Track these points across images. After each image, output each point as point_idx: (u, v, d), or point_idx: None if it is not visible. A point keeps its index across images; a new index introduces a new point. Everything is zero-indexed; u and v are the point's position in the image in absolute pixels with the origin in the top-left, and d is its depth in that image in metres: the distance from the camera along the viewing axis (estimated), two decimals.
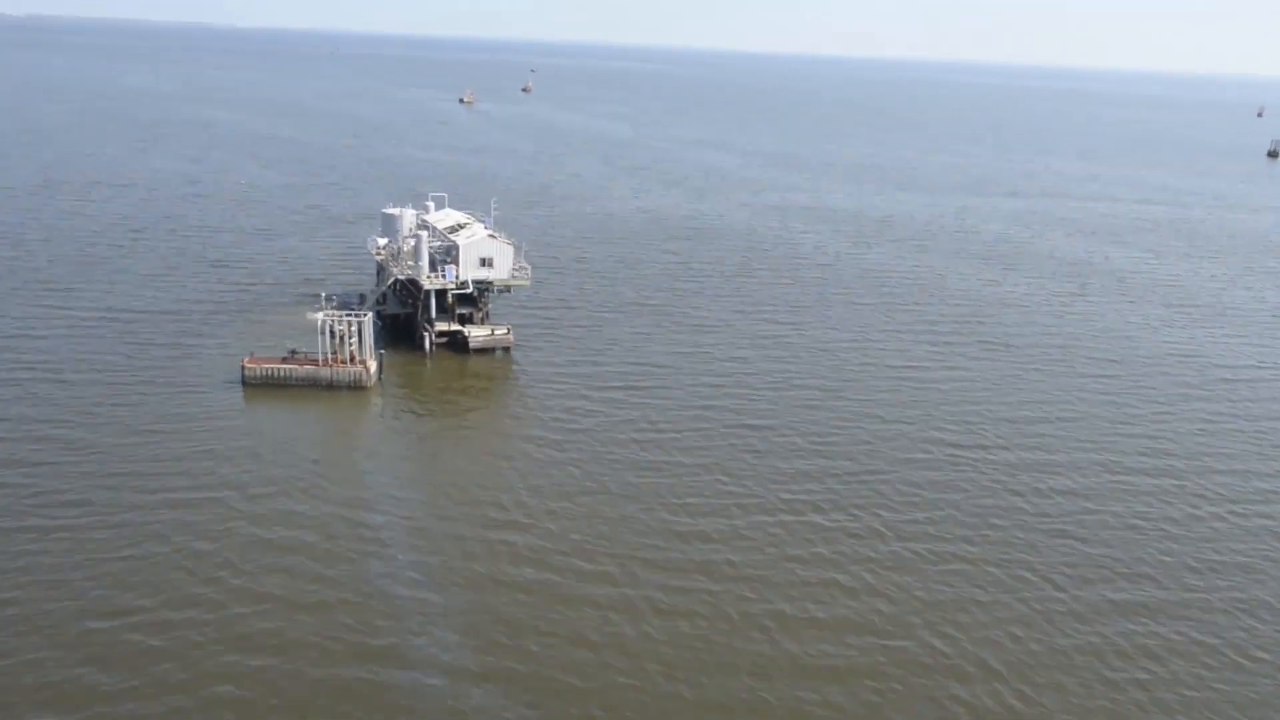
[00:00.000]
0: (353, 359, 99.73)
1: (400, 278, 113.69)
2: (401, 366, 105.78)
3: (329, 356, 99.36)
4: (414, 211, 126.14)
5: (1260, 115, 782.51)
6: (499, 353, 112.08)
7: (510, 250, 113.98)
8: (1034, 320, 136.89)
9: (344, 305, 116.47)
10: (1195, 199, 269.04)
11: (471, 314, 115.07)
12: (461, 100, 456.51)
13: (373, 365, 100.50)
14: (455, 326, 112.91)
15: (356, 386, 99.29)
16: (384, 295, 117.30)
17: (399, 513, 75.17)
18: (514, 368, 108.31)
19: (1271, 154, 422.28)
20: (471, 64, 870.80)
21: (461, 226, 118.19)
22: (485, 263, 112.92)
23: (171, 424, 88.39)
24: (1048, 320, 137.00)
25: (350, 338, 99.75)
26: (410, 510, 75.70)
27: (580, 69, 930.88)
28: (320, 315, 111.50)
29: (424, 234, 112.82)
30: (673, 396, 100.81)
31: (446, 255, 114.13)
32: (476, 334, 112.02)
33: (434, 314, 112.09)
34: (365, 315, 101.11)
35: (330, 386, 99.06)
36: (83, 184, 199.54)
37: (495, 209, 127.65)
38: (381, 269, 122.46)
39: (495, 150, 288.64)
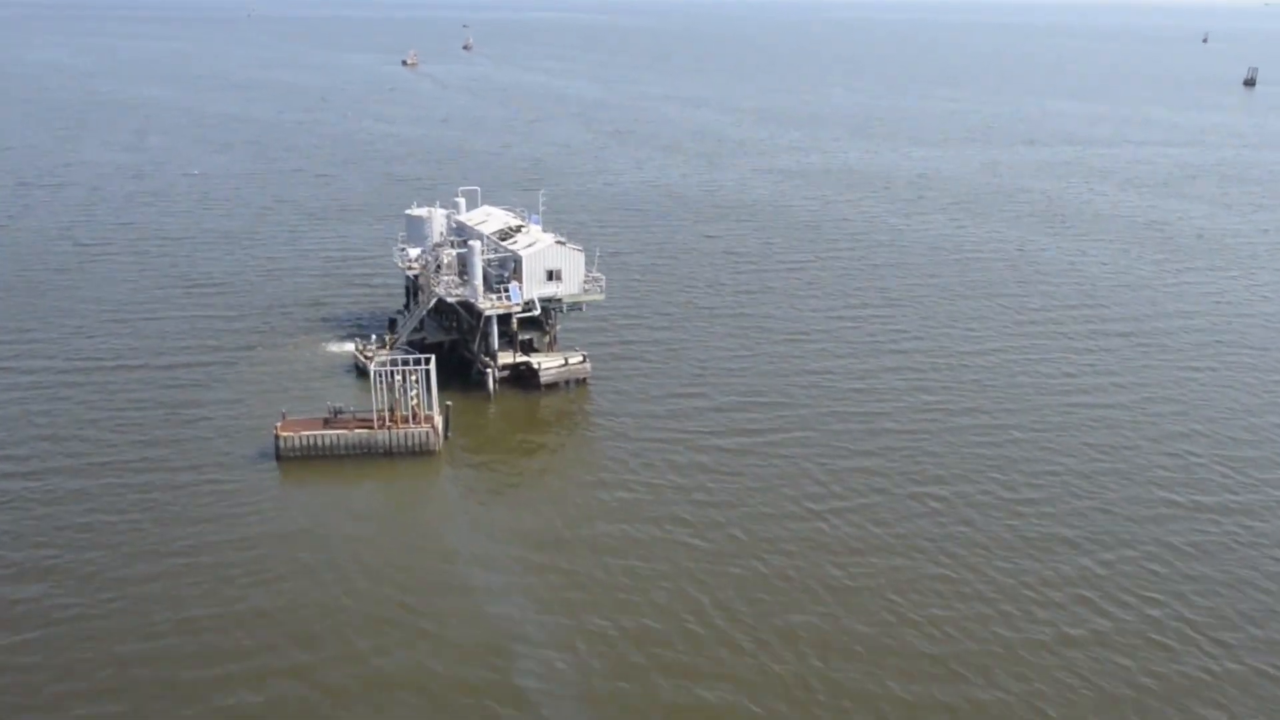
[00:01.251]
0: (415, 415, 79.38)
1: (447, 299, 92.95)
2: (461, 414, 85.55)
3: (385, 414, 78.91)
4: (444, 212, 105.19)
5: (1205, 41, 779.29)
6: (570, 385, 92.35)
7: (581, 259, 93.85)
8: (1163, 304, 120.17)
9: (366, 333, 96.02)
10: (1215, 137, 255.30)
11: (533, 339, 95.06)
12: (404, 63, 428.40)
13: (439, 421, 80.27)
14: (521, 357, 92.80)
15: (422, 451, 79.08)
16: (421, 321, 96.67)
17: (526, 635, 55.86)
18: (595, 409, 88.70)
19: (1248, 82, 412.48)
20: (399, 22, 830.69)
21: (515, 230, 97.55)
22: (553, 276, 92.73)
23: (190, 534, 67.66)
24: (1181, 304, 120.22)
25: (411, 389, 79.29)
26: (537, 628, 56.41)
27: (512, 22, 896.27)
28: (362, 353, 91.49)
29: (476, 244, 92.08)
30: (807, 444, 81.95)
31: (502, 269, 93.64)
32: (548, 366, 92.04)
33: (495, 344, 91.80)
34: (428, 361, 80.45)
35: (389, 453, 78.74)
36: (6, 186, 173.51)
37: (543, 205, 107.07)
38: (416, 287, 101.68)
39: (462, 119, 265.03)
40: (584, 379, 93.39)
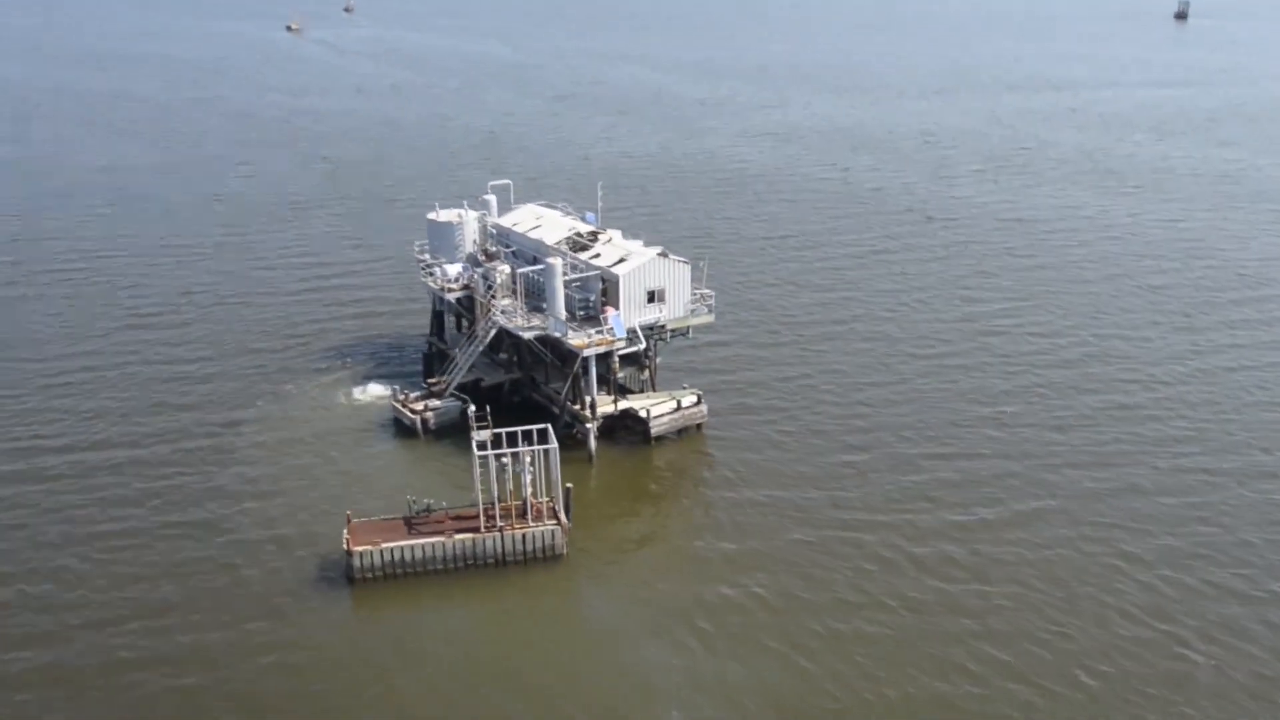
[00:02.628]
0: (533, 509, 59.56)
1: (521, 334, 72.75)
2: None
3: (493, 509, 58.94)
4: (476, 215, 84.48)
5: None
6: (680, 434, 73.63)
7: (686, 273, 74.68)
8: None
9: (385, 366, 75.39)
10: (1194, 75, 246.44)
11: (625, 376, 75.89)
12: (289, 29, 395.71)
13: (562, 513, 60.64)
14: (621, 404, 73.48)
15: (546, 555, 59.49)
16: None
17: None
18: (723, 468, 70.44)
19: (1179, 15, 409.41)
20: None
21: (588, 238, 77.51)
22: (654, 298, 73.40)
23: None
24: None
25: (525, 472, 59.42)
26: None
27: None
28: (405, 405, 71.79)
29: (557, 263, 71.92)
30: (1028, 524, 65.10)
31: (585, 292, 73.80)
32: (659, 414, 72.94)
33: (595, 391, 72.14)
34: (542, 435, 60.45)
35: (500, 562, 58.94)
36: None
37: (601, 198, 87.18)
38: (458, 311, 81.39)
39: (377, 89, 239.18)
40: (700, 424, 74.62)
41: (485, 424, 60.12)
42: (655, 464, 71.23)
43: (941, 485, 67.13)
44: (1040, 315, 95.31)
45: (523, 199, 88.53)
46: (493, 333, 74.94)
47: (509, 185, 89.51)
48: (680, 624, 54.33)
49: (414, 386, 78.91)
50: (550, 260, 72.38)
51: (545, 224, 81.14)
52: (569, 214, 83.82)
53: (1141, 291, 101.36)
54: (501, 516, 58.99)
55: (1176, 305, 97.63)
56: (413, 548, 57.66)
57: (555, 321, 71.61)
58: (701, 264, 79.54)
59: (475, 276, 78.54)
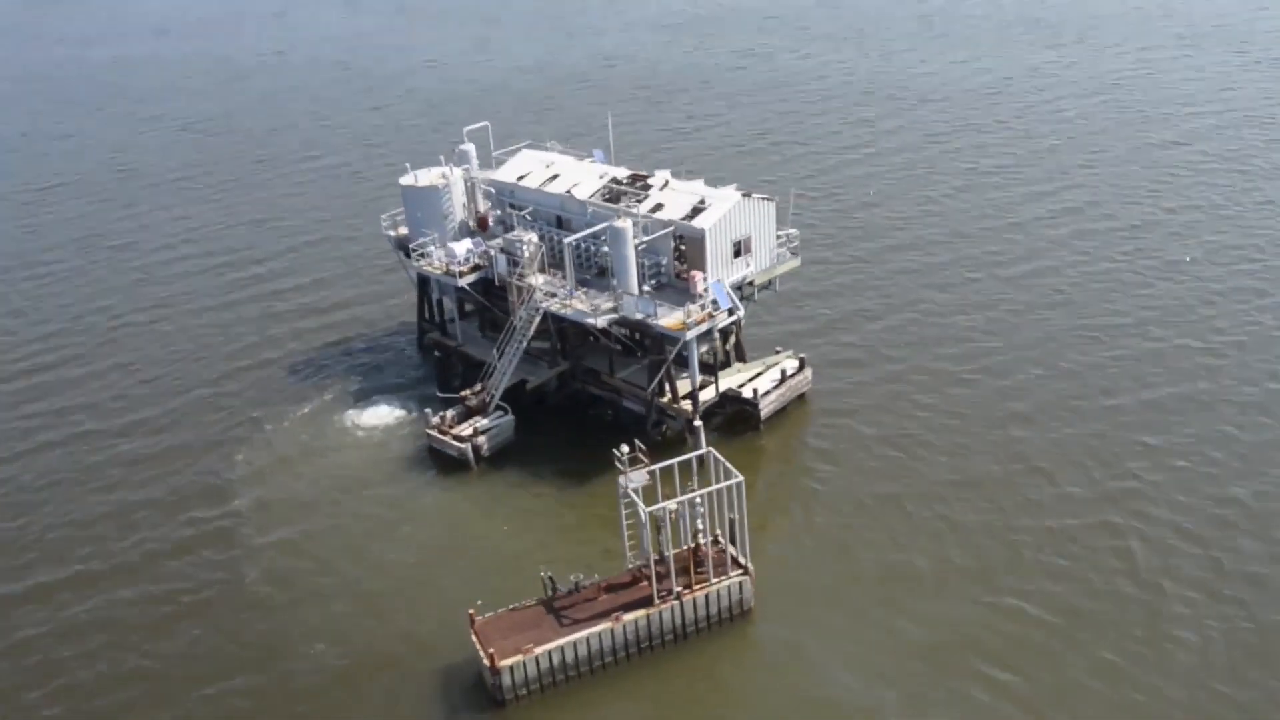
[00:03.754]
0: (712, 557, 45.90)
1: (589, 321, 57.80)
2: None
3: (662, 571, 45.04)
4: (461, 171, 68.26)
5: None
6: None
7: (771, 213, 60.79)
8: None
9: (368, 375, 60.03)
10: None
11: (707, 351, 62.11)
12: None
13: (745, 558, 47.13)
14: (733, 385, 60.11)
15: (734, 614, 46.22)
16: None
17: None
18: (856, 448, 57.98)
19: None
20: None
21: (632, 184, 62.42)
22: (740, 250, 59.42)
23: None
24: None
25: (697, 517, 45.52)
26: None
27: None
28: (449, 433, 57.42)
29: (626, 224, 56.90)
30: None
31: (655, 255, 59.12)
32: (765, 390, 59.75)
33: (697, 378, 58.20)
34: (734, 475, 46.01)
35: (678, 636, 45.35)
36: None
37: (613, 131, 71.82)
38: (457, 300, 65.87)
39: (183, 27, 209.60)
40: (803, 393, 61.91)
41: (641, 462, 45.58)
42: (774, 452, 58.22)
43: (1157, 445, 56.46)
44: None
45: (500, 145, 72.28)
46: (537, 321, 59.72)
47: (487, 128, 73.04)
48: (960, 677, 42.21)
49: (430, 402, 63.44)
50: (619, 223, 57.18)
51: (565, 173, 65.52)
52: (567, 154, 68.56)
53: None
54: (664, 573, 45.25)
55: None
56: (574, 645, 43.41)
57: (632, 300, 56.90)
58: (791, 194, 65.22)
59: (493, 253, 62.66)
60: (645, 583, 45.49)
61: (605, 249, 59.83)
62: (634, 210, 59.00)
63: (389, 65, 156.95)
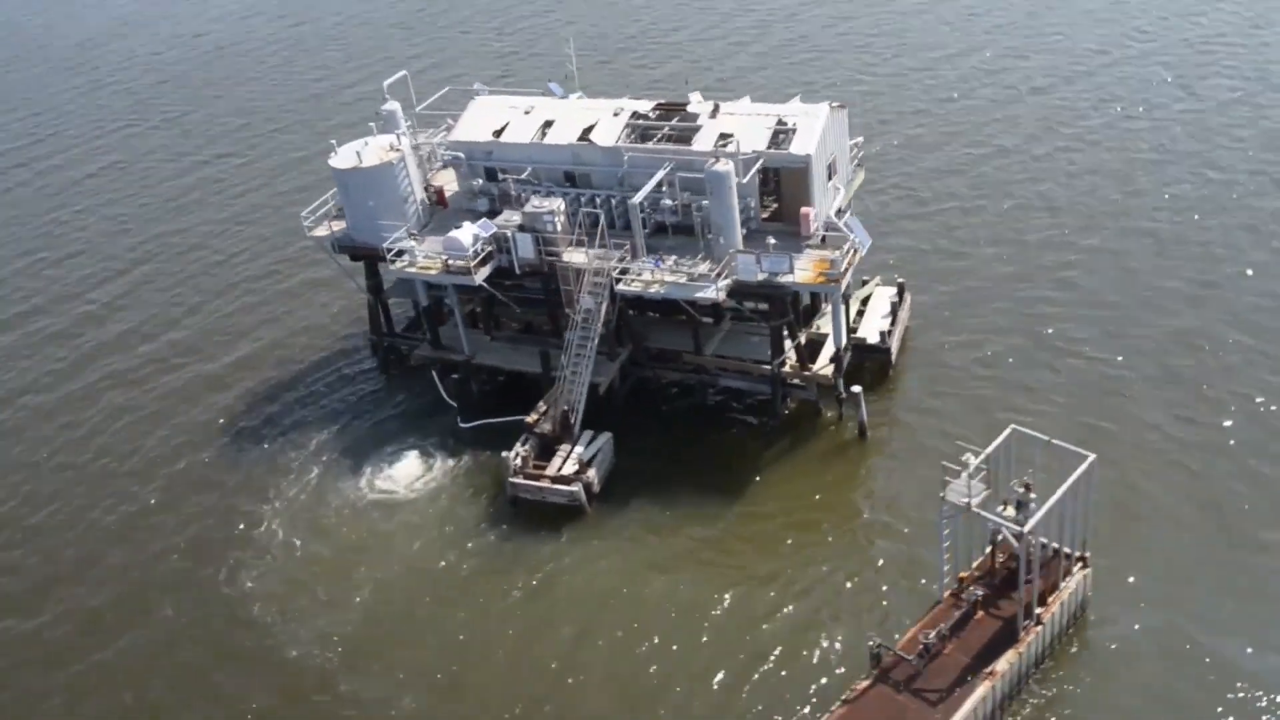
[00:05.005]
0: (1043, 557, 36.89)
1: (708, 296, 45.73)
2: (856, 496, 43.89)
3: (1027, 598, 35.60)
4: (408, 138, 53.08)
5: None
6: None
7: (846, 123, 50.58)
8: None
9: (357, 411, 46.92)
10: None
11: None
12: None
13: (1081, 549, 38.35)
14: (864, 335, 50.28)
15: (1074, 623, 37.77)
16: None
17: None
18: (1010, 385, 50.60)
19: None
20: None
21: (679, 115, 49.96)
22: (831, 172, 49.15)
23: None
24: None
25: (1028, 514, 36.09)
26: None
27: None
28: (535, 471, 45.34)
29: (727, 167, 44.69)
30: None
31: (744, 198, 47.38)
32: (889, 331, 50.60)
33: (842, 338, 47.82)
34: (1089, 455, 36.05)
35: (1038, 662, 36.45)
36: None
37: (575, 59, 58.06)
38: (463, 302, 51.56)
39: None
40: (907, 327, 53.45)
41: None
42: (940, 402, 49.00)
43: None
44: None
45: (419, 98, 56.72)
46: (604, 308, 46.97)
47: (406, 78, 57.11)
48: None
49: (451, 437, 49.75)
50: (716, 166, 44.82)
51: (562, 116, 51.73)
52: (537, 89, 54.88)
53: None
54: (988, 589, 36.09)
55: None
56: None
57: (750, 258, 45.35)
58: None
59: (510, 234, 48.47)
60: (980, 614, 36.08)
61: (669, 202, 47.70)
62: (669, 150, 47.09)
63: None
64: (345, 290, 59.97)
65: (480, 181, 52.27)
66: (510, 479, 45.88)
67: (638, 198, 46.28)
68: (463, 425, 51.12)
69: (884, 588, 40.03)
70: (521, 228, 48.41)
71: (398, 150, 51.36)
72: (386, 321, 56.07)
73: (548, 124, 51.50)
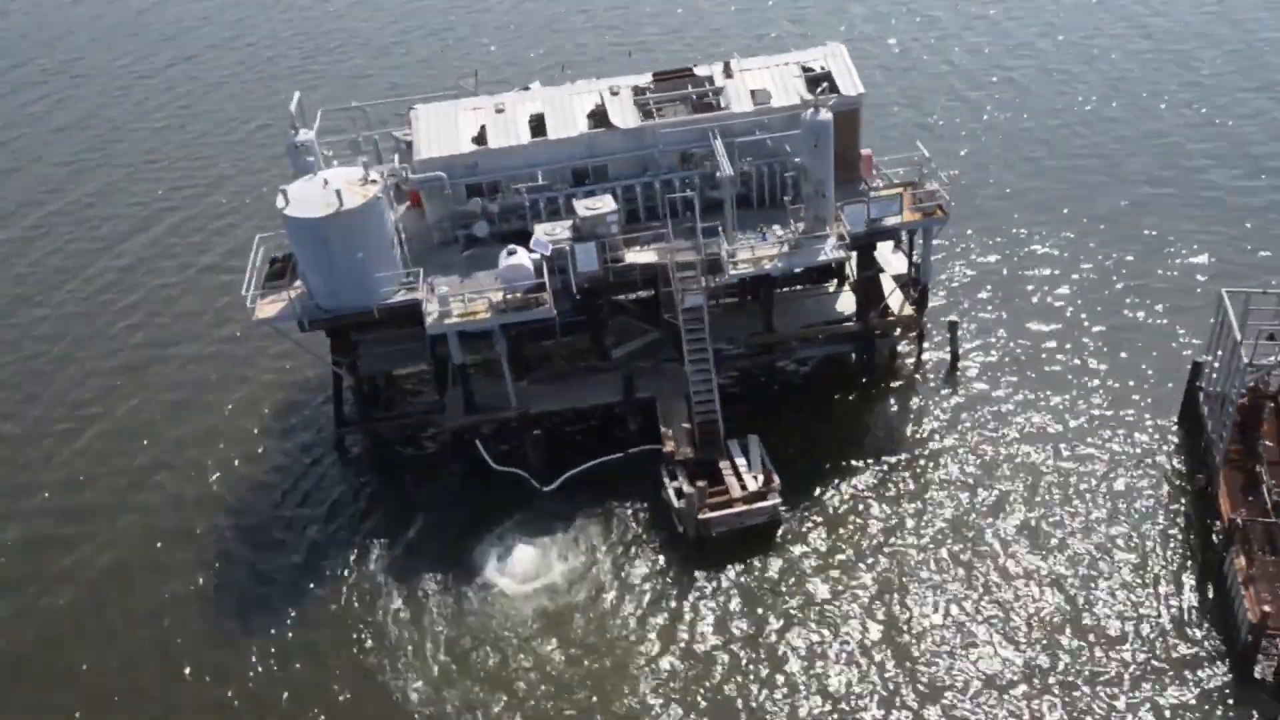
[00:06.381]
0: None
1: (809, 261, 42.48)
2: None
3: None
4: (384, 165, 43.79)
5: None
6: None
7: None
8: None
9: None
10: None
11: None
12: None
13: None
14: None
15: None
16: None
17: None
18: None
19: None
20: None
21: (689, 81, 45.37)
22: None
23: None
24: None
25: None
26: None
27: None
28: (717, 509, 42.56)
29: (828, 117, 41.33)
30: None
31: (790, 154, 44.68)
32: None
33: (929, 272, 46.58)
34: None
35: None
36: None
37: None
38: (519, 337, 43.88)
39: None
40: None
41: None
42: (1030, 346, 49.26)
43: None
44: None
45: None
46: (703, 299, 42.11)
47: (299, 100, 45.85)
48: None
49: (530, 508, 42.20)
50: (819, 115, 41.16)
51: (549, 108, 44.76)
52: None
53: None
54: None
55: None
56: None
57: (859, 209, 42.84)
58: None
59: (569, 248, 41.39)
60: None
61: (718, 175, 43.47)
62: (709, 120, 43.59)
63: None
64: (269, 370, 47.65)
65: (480, 200, 43.80)
66: (700, 516, 39.43)
67: (726, 170, 41.58)
68: (546, 489, 42.90)
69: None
70: (578, 237, 41.48)
71: (374, 182, 41.34)
72: (368, 403, 45.40)
73: (536, 118, 44.35)
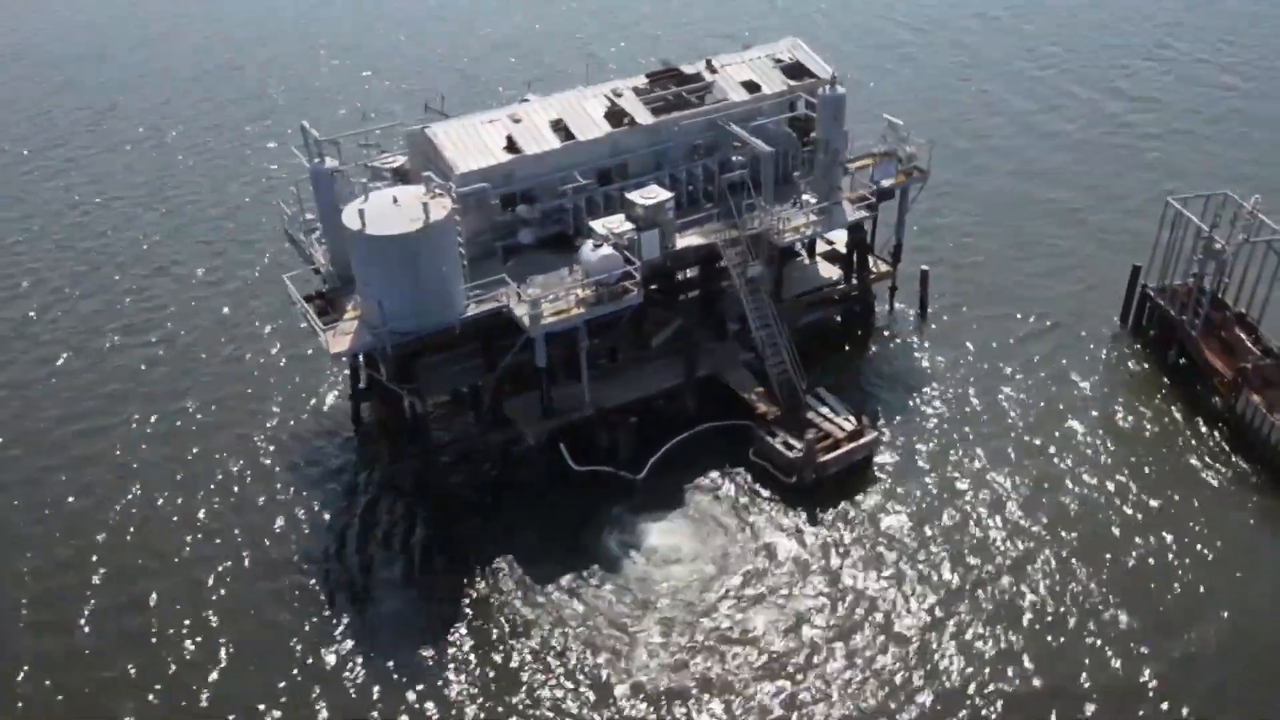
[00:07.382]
0: None
1: (840, 223, 46.65)
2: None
3: None
4: (428, 183, 43.16)
5: None
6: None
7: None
8: None
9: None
10: None
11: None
12: None
13: None
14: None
15: None
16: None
17: None
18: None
19: None
20: None
21: (678, 85, 48.11)
22: None
23: None
24: None
25: None
26: None
27: None
28: None
29: (844, 91, 45.82)
30: None
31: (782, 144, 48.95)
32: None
33: (903, 230, 51.85)
34: None
35: None
36: None
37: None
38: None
39: None
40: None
41: None
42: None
43: None
44: None
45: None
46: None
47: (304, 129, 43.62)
48: None
49: (628, 502, 43.14)
50: (838, 90, 45.33)
51: (569, 114, 45.76)
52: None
53: None
54: None
55: None
56: None
57: (865, 176, 47.74)
58: None
59: (637, 236, 42.97)
60: None
61: (740, 157, 46.95)
62: (731, 99, 47.32)
63: None
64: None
65: (524, 208, 44.05)
66: (819, 460, 42.16)
67: (763, 148, 44.78)
68: (638, 478, 43.65)
69: None
70: (639, 227, 43.16)
71: (441, 193, 40.74)
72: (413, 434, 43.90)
73: (556, 124, 45.34)
